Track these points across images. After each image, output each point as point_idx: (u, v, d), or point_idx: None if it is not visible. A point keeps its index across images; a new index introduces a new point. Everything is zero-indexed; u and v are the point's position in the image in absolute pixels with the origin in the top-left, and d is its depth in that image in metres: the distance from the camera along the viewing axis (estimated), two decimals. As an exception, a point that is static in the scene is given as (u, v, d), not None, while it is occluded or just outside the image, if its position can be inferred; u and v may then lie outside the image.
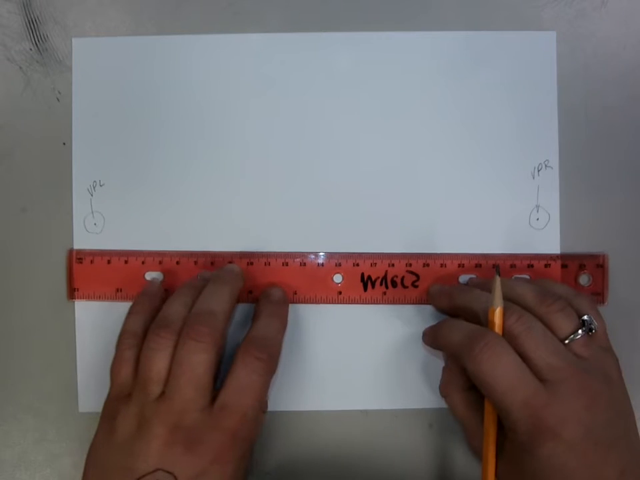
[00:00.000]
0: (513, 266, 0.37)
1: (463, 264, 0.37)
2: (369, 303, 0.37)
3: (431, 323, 0.37)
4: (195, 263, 0.37)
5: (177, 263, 0.37)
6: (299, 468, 0.38)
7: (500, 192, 0.38)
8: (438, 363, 0.37)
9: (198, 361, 0.31)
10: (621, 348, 0.34)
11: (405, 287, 0.37)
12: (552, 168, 0.38)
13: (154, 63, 0.38)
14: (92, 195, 0.38)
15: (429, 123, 0.38)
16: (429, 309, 0.37)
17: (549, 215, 0.38)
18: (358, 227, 0.38)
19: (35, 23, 0.38)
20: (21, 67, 0.38)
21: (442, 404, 0.37)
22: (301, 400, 0.38)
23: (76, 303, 0.38)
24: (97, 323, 0.38)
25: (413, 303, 0.37)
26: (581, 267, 0.37)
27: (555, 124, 0.38)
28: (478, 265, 0.37)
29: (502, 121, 0.38)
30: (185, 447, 0.31)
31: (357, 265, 0.37)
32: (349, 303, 0.37)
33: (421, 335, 0.37)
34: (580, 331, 0.31)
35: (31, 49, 0.38)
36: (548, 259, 0.37)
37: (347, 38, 0.38)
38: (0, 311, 0.38)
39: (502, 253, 0.37)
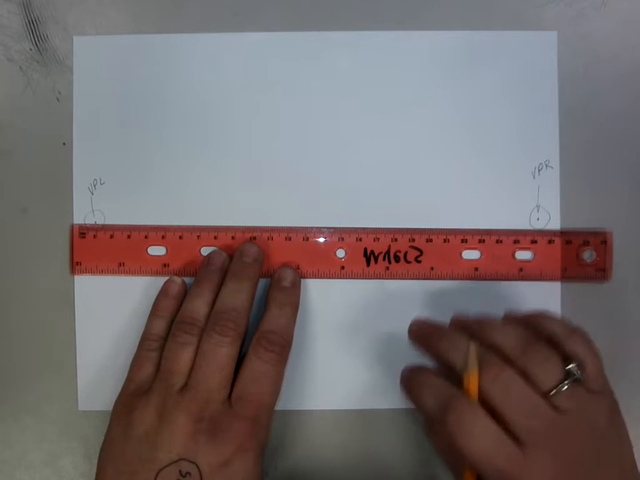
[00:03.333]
0: (516, 241, 0.37)
1: (466, 239, 0.37)
2: (371, 278, 0.37)
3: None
4: (198, 237, 0.37)
5: (180, 237, 0.37)
6: (297, 468, 0.38)
7: (500, 192, 0.38)
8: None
9: (223, 353, 0.33)
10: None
11: (407, 262, 0.37)
12: (552, 168, 0.38)
13: (155, 61, 0.38)
14: (92, 193, 0.38)
15: (429, 122, 0.38)
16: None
17: (549, 214, 0.38)
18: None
19: (35, 22, 0.38)
20: (20, 67, 0.38)
21: (442, 404, 0.37)
22: (300, 399, 0.38)
23: (76, 301, 0.38)
24: (97, 321, 0.38)
25: (416, 278, 0.37)
26: (585, 243, 0.37)
27: (555, 124, 0.38)
28: (481, 241, 0.37)
29: (502, 121, 0.38)
30: (208, 437, 0.31)
31: (360, 239, 0.37)
32: (351, 278, 0.37)
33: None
34: (564, 384, 0.29)
35: (30, 49, 0.38)
36: (551, 235, 0.37)
37: (347, 37, 0.38)
38: (0, 311, 0.38)
39: (506, 229, 0.37)
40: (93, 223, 0.38)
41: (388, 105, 0.38)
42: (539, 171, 0.38)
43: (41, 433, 0.38)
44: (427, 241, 0.37)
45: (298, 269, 0.37)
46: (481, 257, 0.37)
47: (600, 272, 0.37)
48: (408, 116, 0.38)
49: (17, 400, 0.38)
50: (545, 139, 0.38)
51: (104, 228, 0.38)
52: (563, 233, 0.37)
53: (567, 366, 0.30)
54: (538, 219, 0.38)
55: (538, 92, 0.38)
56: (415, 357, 0.37)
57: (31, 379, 0.38)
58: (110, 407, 0.34)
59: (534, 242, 0.37)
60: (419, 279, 0.37)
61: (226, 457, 0.31)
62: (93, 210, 0.38)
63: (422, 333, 0.34)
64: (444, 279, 0.37)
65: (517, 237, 0.37)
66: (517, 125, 0.38)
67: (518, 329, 0.31)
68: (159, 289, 0.37)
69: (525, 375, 0.30)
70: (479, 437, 0.29)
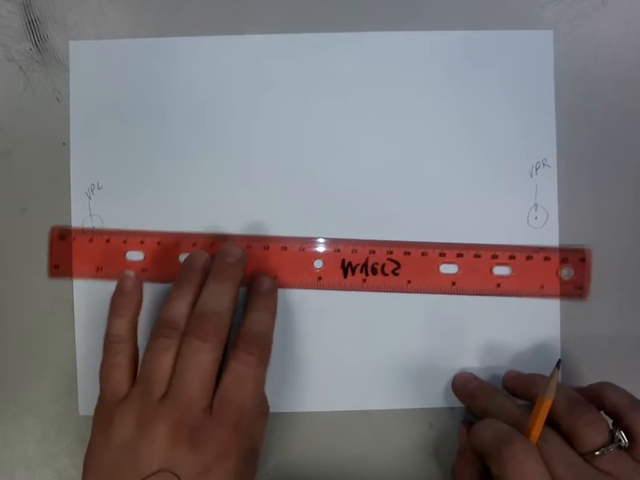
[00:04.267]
0: (494, 257, 0.37)
1: (444, 253, 0.37)
2: (348, 290, 0.37)
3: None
4: (177, 244, 0.37)
5: (158, 243, 0.37)
6: (298, 468, 0.38)
7: (498, 190, 0.38)
8: (437, 362, 0.37)
9: (204, 360, 0.32)
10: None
11: (385, 274, 0.37)
12: (550, 167, 0.38)
13: (152, 65, 0.38)
14: (90, 198, 0.38)
15: (427, 121, 0.38)
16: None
17: (547, 213, 0.38)
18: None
19: (35, 23, 0.38)
20: (20, 67, 0.38)
21: (442, 404, 0.37)
22: (300, 401, 0.38)
23: (75, 302, 0.38)
24: (97, 322, 0.37)
25: (393, 291, 0.37)
26: (563, 260, 0.37)
27: (552, 122, 0.37)
28: (459, 255, 0.37)
29: (500, 120, 0.38)
30: (188, 445, 0.31)
31: (338, 250, 0.37)
32: (328, 289, 0.37)
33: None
34: (608, 448, 0.30)
35: (30, 49, 0.38)
36: (530, 251, 0.37)
37: (347, 38, 0.38)
38: (0, 311, 0.38)
39: (484, 244, 0.37)
40: (91, 227, 0.38)
41: (386, 105, 0.38)
42: (536, 169, 0.38)
43: (41, 433, 0.38)
44: (404, 254, 0.37)
45: (275, 278, 0.37)
46: (458, 271, 0.37)
47: (578, 289, 0.37)
48: (405, 115, 0.38)
49: (17, 400, 0.38)
50: (542, 138, 0.37)
51: (83, 232, 0.37)
52: (541, 249, 0.37)
53: (614, 431, 0.31)
54: (536, 218, 0.38)
55: (535, 91, 0.38)
56: (416, 369, 0.38)
57: (31, 379, 0.38)
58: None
59: (512, 257, 0.37)
60: (395, 291, 0.37)
61: (206, 465, 0.31)
62: (91, 214, 0.38)
63: (465, 390, 0.36)
64: (421, 292, 0.37)
65: (496, 252, 0.37)
66: (514, 123, 0.38)
67: (567, 389, 0.33)
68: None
69: (571, 434, 0.31)
70: (529, 473, 0.29)
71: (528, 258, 0.37)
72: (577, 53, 0.38)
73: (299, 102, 0.38)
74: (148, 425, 0.31)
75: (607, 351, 0.37)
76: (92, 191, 0.38)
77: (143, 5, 0.38)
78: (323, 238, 0.37)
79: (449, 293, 0.37)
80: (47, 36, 0.38)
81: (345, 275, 0.37)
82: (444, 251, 0.37)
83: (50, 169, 0.38)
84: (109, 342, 0.34)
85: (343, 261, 0.37)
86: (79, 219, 0.38)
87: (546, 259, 0.37)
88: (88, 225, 0.38)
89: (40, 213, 0.38)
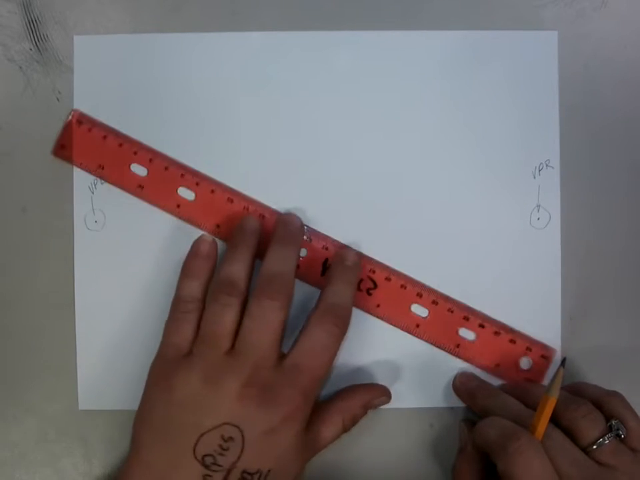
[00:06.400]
0: (466, 318, 0.37)
1: (422, 294, 0.37)
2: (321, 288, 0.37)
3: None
4: (182, 175, 0.37)
5: (165, 168, 0.37)
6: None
7: (501, 191, 0.38)
8: (438, 362, 0.37)
9: (274, 318, 0.32)
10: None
11: (359, 289, 0.37)
12: (553, 168, 0.38)
13: (155, 60, 0.38)
14: (93, 193, 0.38)
15: (429, 122, 0.38)
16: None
17: (550, 214, 0.38)
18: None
19: (35, 23, 0.38)
20: (20, 67, 0.38)
21: (442, 403, 0.37)
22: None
23: (76, 301, 0.37)
24: (98, 321, 0.38)
25: (359, 308, 0.37)
26: (527, 350, 0.37)
27: (556, 124, 0.38)
28: (435, 302, 0.37)
29: (503, 121, 0.38)
30: (257, 403, 0.31)
31: (326, 249, 0.37)
32: (304, 282, 0.37)
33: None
34: (606, 438, 0.31)
35: (30, 49, 0.38)
36: (500, 327, 0.37)
37: (347, 37, 0.38)
38: (0, 311, 0.38)
39: (460, 302, 0.37)
40: (94, 222, 0.38)
41: (387, 106, 0.38)
42: (539, 170, 0.38)
43: (41, 433, 0.38)
44: (385, 279, 0.37)
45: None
46: (427, 316, 0.37)
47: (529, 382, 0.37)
48: (407, 116, 0.38)
49: (17, 400, 0.38)
50: (545, 139, 0.38)
51: (101, 125, 0.37)
52: (512, 331, 0.37)
53: (609, 422, 0.31)
54: (538, 219, 0.38)
55: (538, 92, 0.38)
56: (416, 369, 0.38)
57: (31, 379, 0.38)
58: (110, 407, 0.34)
59: (481, 326, 0.37)
60: (361, 309, 0.37)
61: (272, 424, 0.31)
62: (93, 209, 0.38)
63: (466, 389, 0.36)
64: (385, 320, 0.37)
65: (468, 315, 0.37)
66: (517, 124, 0.38)
67: (560, 390, 0.32)
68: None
69: (570, 429, 0.31)
70: (537, 471, 0.29)
71: (495, 333, 0.37)
72: (577, 53, 0.38)
73: (298, 100, 0.38)
74: (215, 381, 0.31)
75: (607, 352, 0.38)
76: (95, 185, 0.38)
77: (142, 5, 0.38)
78: (316, 230, 0.37)
79: (409, 333, 0.37)
80: (47, 36, 0.38)
81: (323, 273, 0.37)
82: (422, 292, 0.37)
83: (50, 168, 0.38)
84: (180, 300, 0.34)
85: (327, 260, 0.37)
86: (81, 213, 0.37)
87: (511, 341, 0.37)
88: (90, 219, 0.38)
89: (40, 212, 0.38)
